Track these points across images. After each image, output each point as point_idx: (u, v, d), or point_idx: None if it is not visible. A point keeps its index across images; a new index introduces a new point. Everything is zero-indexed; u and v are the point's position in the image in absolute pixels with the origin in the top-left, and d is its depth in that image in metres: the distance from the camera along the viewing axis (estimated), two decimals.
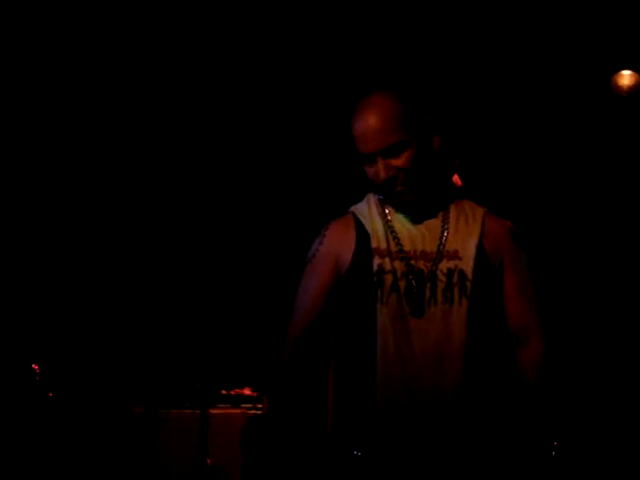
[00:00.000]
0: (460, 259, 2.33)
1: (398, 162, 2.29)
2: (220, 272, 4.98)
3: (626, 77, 5.58)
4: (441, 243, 2.35)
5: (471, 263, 2.32)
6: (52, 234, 5.13)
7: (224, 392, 4.48)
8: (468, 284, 2.30)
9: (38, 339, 4.75)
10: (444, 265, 2.32)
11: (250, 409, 4.42)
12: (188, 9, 4.97)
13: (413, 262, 2.32)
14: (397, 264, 2.32)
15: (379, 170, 2.29)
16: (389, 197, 2.35)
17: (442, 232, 2.36)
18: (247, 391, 4.49)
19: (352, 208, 2.46)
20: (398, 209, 2.38)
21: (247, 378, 4.55)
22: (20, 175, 5.12)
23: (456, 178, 3.40)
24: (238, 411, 4.42)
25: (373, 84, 2.40)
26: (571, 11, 5.16)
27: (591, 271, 5.45)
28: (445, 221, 2.38)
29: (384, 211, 2.40)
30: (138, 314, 5.04)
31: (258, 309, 4.95)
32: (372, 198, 2.44)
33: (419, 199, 2.35)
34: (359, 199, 2.47)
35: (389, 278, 2.30)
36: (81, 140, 5.24)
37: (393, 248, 2.34)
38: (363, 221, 2.39)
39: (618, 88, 5.58)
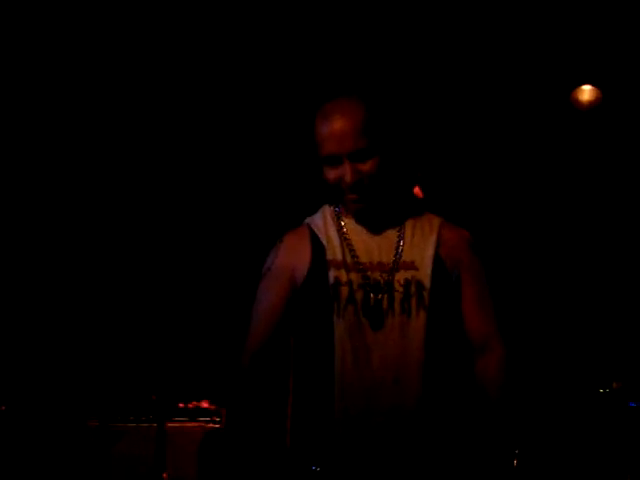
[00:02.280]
0: (417, 269, 2.31)
1: (364, 167, 2.27)
2: (176, 284, 4.94)
3: (586, 92, 5.62)
4: (397, 253, 2.33)
5: (428, 273, 2.31)
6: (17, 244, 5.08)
7: (181, 405, 4.44)
8: (425, 294, 2.29)
9: None
10: (401, 276, 2.30)
11: (208, 422, 4.39)
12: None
13: (369, 273, 2.30)
14: (353, 276, 2.30)
15: (345, 173, 2.27)
16: (348, 202, 2.33)
17: (398, 242, 2.34)
18: (205, 404, 4.45)
19: (307, 220, 2.44)
20: (355, 216, 2.36)
21: (205, 391, 4.51)
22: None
23: (417, 190, 3.39)
24: (196, 424, 4.38)
25: (338, 91, 2.38)
26: (531, 26, 5.19)
27: (547, 279, 5.48)
28: (401, 231, 2.36)
29: (340, 223, 2.38)
30: (93, 327, 4.98)
31: (215, 321, 4.92)
32: (327, 210, 2.42)
33: (377, 208, 2.34)
34: (314, 211, 2.45)
35: (345, 290, 2.28)
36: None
37: (349, 260, 2.32)
38: (318, 233, 2.37)
39: (578, 103, 5.62)
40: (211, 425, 4.36)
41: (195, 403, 4.45)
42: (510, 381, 2.34)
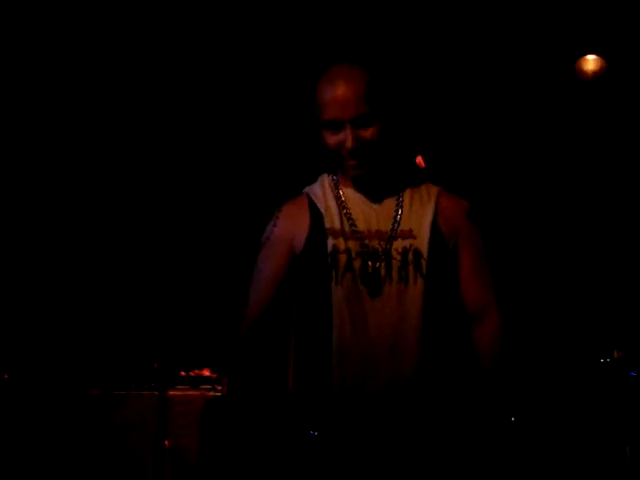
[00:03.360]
0: (415, 238, 2.32)
1: (366, 134, 2.28)
2: (177, 253, 4.95)
3: (591, 62, 5.59)
4: (395, 222, 2.34)
5: (426, 241, 2.32)
6: (21, 228, 5.10)
7: (183, 373, 4.46)
8: (423, 262, 2.30)
9: None
10: (399, 244, 2.31)
11: (209, 390, 4.40)
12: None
13: (367, 241, 2.32)
14: (351, 244, 2.31)
15: (347, 139, 2.27)
16: (347, 168, 2.33)
17: (396, 211, 2.35)
18: (206, 372, 4.47)
19: (306, 189, 2.45)
20: (354, 183, 2.36)
21: (206, 359, 4.52)
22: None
23: (420, 160, 3.38)
24: (197, 392, 4.39)
25: (342, 58, 2.38)
26: None
27: (548, 249, 5.48)
28: (399, 200, 2.37)
29: (338, 191, 2.39)
30: (95, 295, 5.00)
31: (216, 290, 4.92)
32: (326, 179, 2.43)
33: (377, 175, 2.34)
34: (312, 180, 2.45)
35: (343, 258, 2.30)
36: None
37: (347, 228, 2.33)
38: (316, 202, 2.38)
39: (583, 73, 5.59)
40: (213, 393, 4.37)
41: (197, 371, 4.47)
42: (507, 350, 2.35)
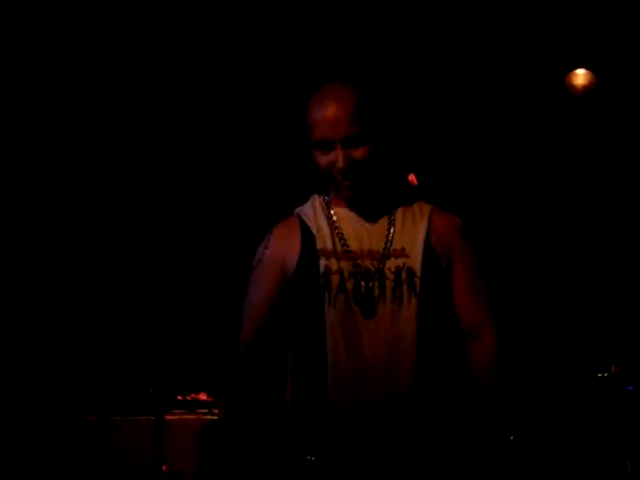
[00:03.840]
0: (407, 256, 2.31)
1: (357, 154, 2.27)
2: (171, 278, 4.94)
3: (580, 76, 5.60)
4: (388, 241, 2.33)
5: (419, 260, 2.30)
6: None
7: (180, 397, 4.44)
8: (417, 281, 2.29)
9: None
10: (392, 263, 2.30)
11: (206, 414, 4.39)
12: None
13: (360, 261, 2.30)
14: (344, 264, 2.30)
15: (338, 159, 2.26)
16: (340, 188, 2.32)
17: (389, 230, 2.34)
18: (203, 396, 4.45)
19: (297, 210, 2.44)
20: (347, 202, 2.35)
21: (203, 383, 4.51)
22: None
23: (412, 177, 3.38)
24: (194, 417, 4.38)
25: (332, 78, 2.38)
26: (524, 10, 5.18)
27: (544, 264, 5.48)
28: (392, 219, 2.36)
29: (329, 211, 2.38)
30: (90, 322, 4.98)
31: (211, 313, 4.91)
32: (317, 199, 2.42)
33: (369, 194, 2.33)
34: (303, 201, 2.45)
35: (336, 279, 2.28)
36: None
37: (339, 248, 2.32)
38: (308, 222, 2.37)
39: (573, 87, 5.60)
40: (209, 417, 4.36)
41: (193, 395, 4.45)
42: (502, 367, 2.34)
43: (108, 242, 5.12)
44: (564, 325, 5.28)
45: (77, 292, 5.05)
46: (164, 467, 4.15)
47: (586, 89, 5.56)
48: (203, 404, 4.43)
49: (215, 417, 4.35)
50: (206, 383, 4.50)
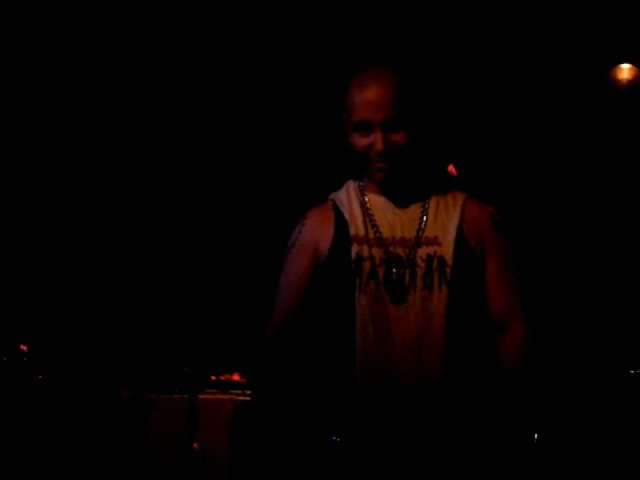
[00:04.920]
0: (439, 245, 2.31)
1: (396, 137, 2.28)
2: (206, 259, 4.98)
3: (625, 70, 5.56)
4: (420, 229, 2.33)
5: (450, 249, 2.31)
6: (43, 228, 5.14)
7: (213, 378, 4.48)
8: (448, 270, 2.29)
9: (27, 320, 4.76)
10: (423, 251, 2.31)
11: (239, 395, 4.42)
12: (184, 9, 4.97)
13: (392, 248, 2.31)
14: (375, 251, 2.30)
15: (377, 141, 2.28)
16: (374, 171, 2.33)
17: (421, 218, 2.35)
18: (236, 377, 4.49)
19: (331, 195, 2.45)
20: (380, 186, 2.36)
21: (236, 363, 4.55)
22: (20, 175, 5.13)
23: (451, 168, 3.38)
24: (227, 397, 4.42)
25: (371, 63, 2.39)
26: (570, 4, 5.14)
27: (579, 259, 5.45)
28: (425, 207, 2.36)
29: (363, 198, 2.39)
30: (127, 300, 5.04)
31: (246, 295, 4.95)
32: (352, 185, 2.43)
33: (403, 180, 2.35)
34: (339, 186, 2.46)
35: (367, 265, 2.29)
36: (80, 140, 5.25)
37: (371, 235, 2.33)
38: (342, 208, 2.38)
39: (617, 82, 5.56)
40: (242, 398, 4.40)
41: (227, 376, 4.49)
42: (531, 361, 2.32)
43: (146, 229, 5.18)
44: (596, 321, 5.25)
45: (114, 273, 5.12)
46: (195, 445, 4.20)
47: (630, 83, 5.51)
48: (236, 385, 4.46)
49: (248, 398, 4.38)
50: (240, 364, 4.54)
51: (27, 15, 4.82)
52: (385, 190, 2.37)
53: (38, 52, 4.97)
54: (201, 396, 4.31)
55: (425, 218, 2.35)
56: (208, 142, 5.28)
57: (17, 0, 4.79)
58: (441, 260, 2.30)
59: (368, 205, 2.38)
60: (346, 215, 2.37)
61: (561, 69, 5.45)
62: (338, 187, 2.47)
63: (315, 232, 2.37)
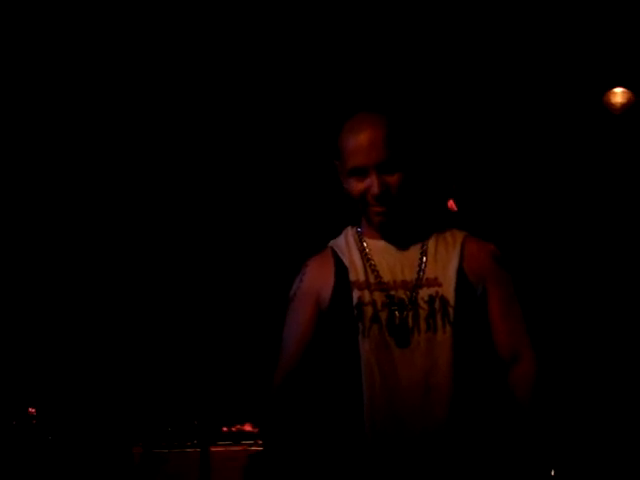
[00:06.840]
0: (440, 285, 2.31)
1: (391, 179, 2.29)
2: (213, 312, 4.98)
3: (619, 95, 5.58)
4: (420, 270, 2.33)
5: (452, 288, 2.30)
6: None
7: (225, 429, 4.46)
8: (450, 310, 2.28)
9: (34, 383, 4.73)
10: (425, 292, 2.30)
11: (252, 445, 4.40)
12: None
13: (393, 292, 2.31)
14: (377, 295, 2.30)
15: (373, 185, 2.28)
16: (372, 215, 2.34)
17: (421, 259, 2.34)
18: (248, 427, 4.47)
19: (330, 243, 2.46)
20: (379, 229, 2.36)
21: (248, 414, 4.52)
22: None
23: (452, 203, 3.38)
24: (239, 448, 4.40)
25: (361, 108, 2.40)
26: (564, 29, 5.17)
27: (590, 286, 5.43)
28: (424, 248, 2.36)
29: (362, 243, 2.39)
30: (136, 355, 5.03)
31: (255, 346, 4.93)
32: (350, 231, 2.44)
33: (401, 221, 2.34)
34: (337, 233, 2.47)
35: (369, 310, 2.29)
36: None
37: (372, 280, 2.33)
38: (341, 255, 2.39)
39: (611, 106, 5.58)
40: (255, 448, 4.37)
41: (238, 426, 4.47)
42: (542, 395, 2.30)
43: (149, 271, 5.17)
44: (609, 351, 5.22)
45: (123, 323, 5.10)
46: None
47: (624, 107, 5.53)
48: (248, 435, 4.45)
49: (260, 448, 4.36)
50: (251, 414, 4.51)
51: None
52: (384, 233, 2.37)
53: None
54: (213, 448, 4.29)
55: (425, 259, 2.34)
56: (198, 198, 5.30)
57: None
58: (443, 300, 2.29)
59: (367, 250, 2.38)
60: (346, 261, 2.37)
61: (556, 95, 5.47)
62: (336, 235, 2.46)
63: (316, 280, 2.37)
